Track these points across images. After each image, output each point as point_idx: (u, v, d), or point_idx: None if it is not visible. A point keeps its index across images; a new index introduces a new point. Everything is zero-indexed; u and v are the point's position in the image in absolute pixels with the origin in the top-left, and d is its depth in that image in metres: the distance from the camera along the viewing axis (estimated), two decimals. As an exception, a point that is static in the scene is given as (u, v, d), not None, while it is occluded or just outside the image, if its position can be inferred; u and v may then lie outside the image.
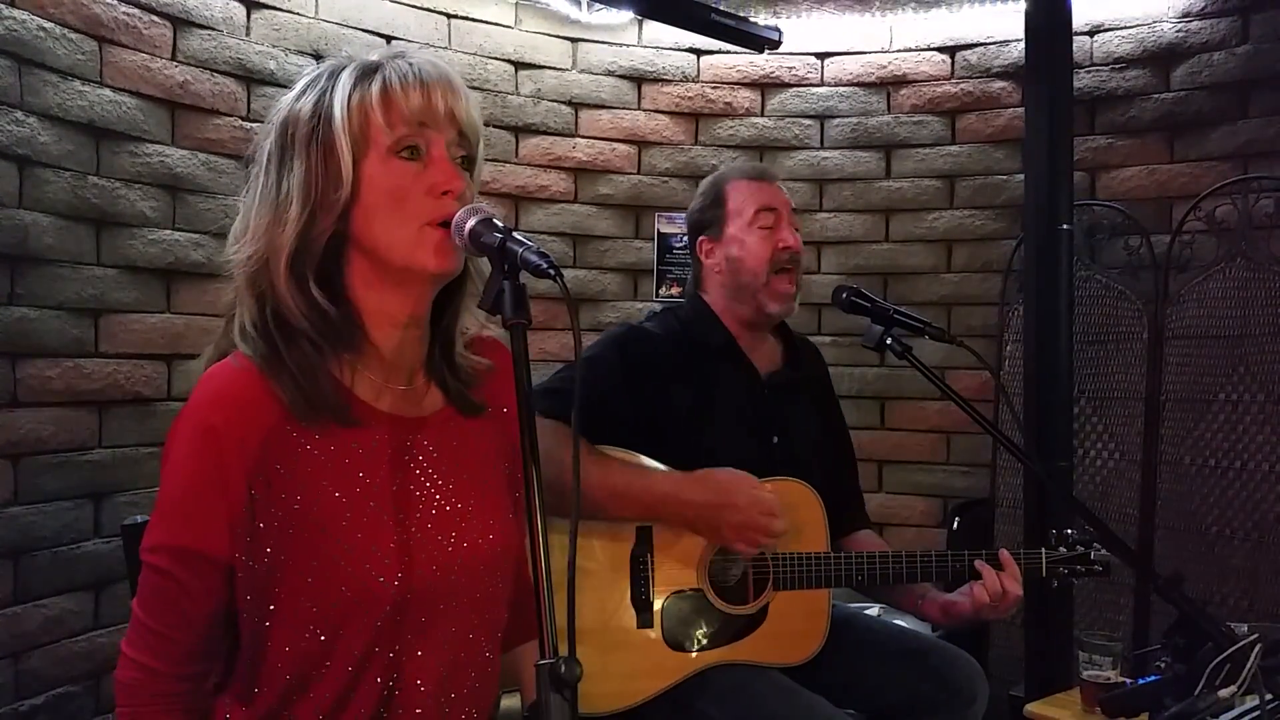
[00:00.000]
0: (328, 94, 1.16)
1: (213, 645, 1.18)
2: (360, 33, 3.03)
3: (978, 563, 1.91)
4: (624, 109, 3.53)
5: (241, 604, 1.15)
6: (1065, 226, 2.83)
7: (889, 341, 1.92)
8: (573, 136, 3.48)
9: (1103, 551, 1.94)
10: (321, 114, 1.15)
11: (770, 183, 2.12)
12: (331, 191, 1.14)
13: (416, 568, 1.16)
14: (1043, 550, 1.96)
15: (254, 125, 2.70)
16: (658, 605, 1.91)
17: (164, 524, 1.14)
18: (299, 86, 1.20)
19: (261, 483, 1.11)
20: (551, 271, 1.05)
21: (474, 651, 1.25)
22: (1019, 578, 1.91)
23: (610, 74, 3.51)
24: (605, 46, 3.51)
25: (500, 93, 3.34)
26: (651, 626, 1.90)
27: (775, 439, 2.07)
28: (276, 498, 1.12)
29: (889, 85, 3.56)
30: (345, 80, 1.16)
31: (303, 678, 1.15)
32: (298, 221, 1.14)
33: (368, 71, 1.17)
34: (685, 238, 3.42)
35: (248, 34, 2.80)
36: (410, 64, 1.17)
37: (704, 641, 1.92)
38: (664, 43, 3.55)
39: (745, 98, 3.60)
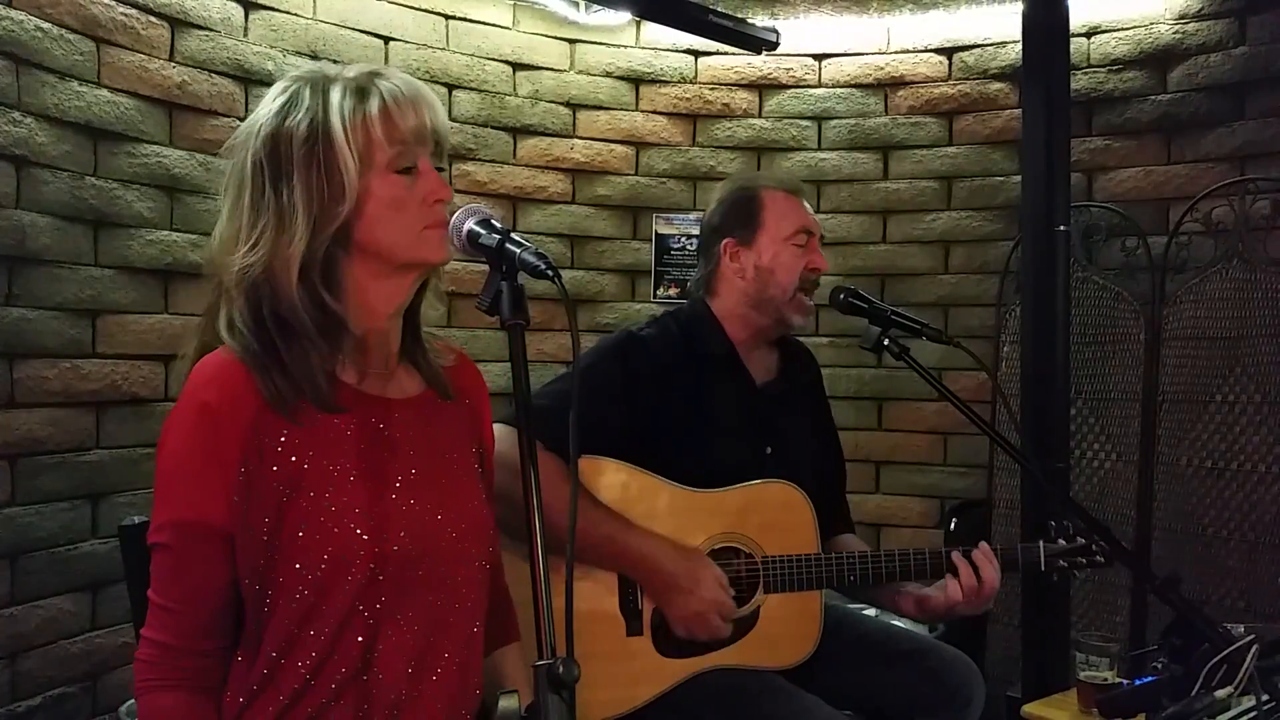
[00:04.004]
0: (320, 113, 1.22)
1: (224, 621, 1.23)
2: (358, 33, 3.03)
3: (954, 555, 1.92)
4: (622, 110, 3.53)
5: (243, 572, 1.20)
6: (1062, 228, 2.82)
7: (886, 342, 1.92)
8: (570, 137, 3.48)
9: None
10: (319, 132, 1.21)
11: (804, 201, 2.14)
12: (334, 205, 1.21)
13: (392, 528, 1.22)
14: (1041, 543, 1.95)
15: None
16: (647, 612, 1.90)
17: (165, 503, 1.22)
18: (278, 104, 1.24)
19: (255, 453, 1.19)
20: (550, 272, 1.07)
21: (451, 634, 1.28)
22: (996, 565, 1.91)
23: (608, 75, 3.51)
24: (603, 48, 3.51)
25: (498, 94, 3.34)
26: (641, 634, 1.89)
27: (769, 449, 2.07)
28: (268, 469, 1.19)
29: (886, 86, 3.57)
30: (339, 99, 1.22)
31: (290, 640, 1.19)
32: (305, 234, 1.20)
33: (360, 90, 1.23)
34: (692, 240, 3.46)
35: (245, 34, 2.80)
36: (396, 84, 1.25)
37: (695, 646, 1.91)
38: (662, 44, 3.55)
39: (743, 99, 3.61)
